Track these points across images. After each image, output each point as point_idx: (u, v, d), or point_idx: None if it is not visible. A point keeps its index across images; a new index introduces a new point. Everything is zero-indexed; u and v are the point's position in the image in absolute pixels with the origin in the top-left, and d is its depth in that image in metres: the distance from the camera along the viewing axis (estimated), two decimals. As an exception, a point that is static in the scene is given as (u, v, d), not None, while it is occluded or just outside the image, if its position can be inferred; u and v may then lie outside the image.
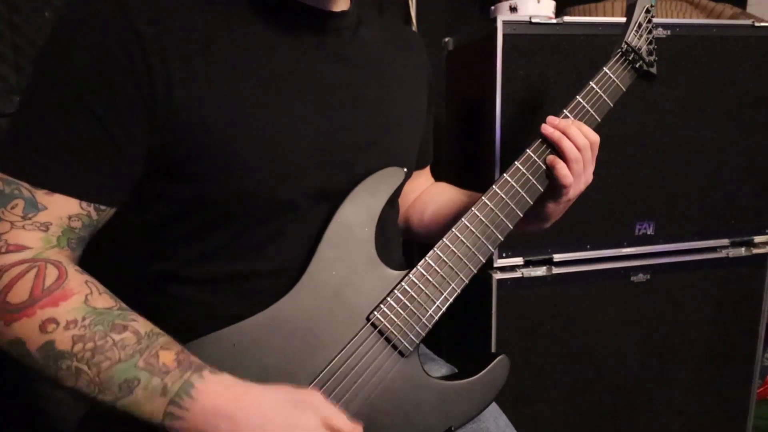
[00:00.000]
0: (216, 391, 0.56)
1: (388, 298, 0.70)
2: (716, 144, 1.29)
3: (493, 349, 1.22)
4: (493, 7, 1.27)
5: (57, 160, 0.58)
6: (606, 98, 0.82)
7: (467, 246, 0.74)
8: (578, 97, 0.81)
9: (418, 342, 0.71)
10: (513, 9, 1.22)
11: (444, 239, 0.73)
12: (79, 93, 0.58)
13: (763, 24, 1.26)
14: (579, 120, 0.80)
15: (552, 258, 1.24)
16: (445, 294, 0.72)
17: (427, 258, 0.72)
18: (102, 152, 0.59)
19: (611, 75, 0.83)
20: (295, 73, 0.68)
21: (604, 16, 1.40)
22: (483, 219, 0.75)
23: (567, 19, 1.16)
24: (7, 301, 0.54)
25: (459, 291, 0.73)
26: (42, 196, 0.58)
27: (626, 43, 0.85)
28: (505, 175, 0.77)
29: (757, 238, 1.36)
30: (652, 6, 0.88)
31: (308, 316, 0.67)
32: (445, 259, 0.73)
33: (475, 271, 0.74)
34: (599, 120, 0.82)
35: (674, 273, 1.31)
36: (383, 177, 0.73)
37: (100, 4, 0.59)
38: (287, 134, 0.66)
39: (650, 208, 1.28)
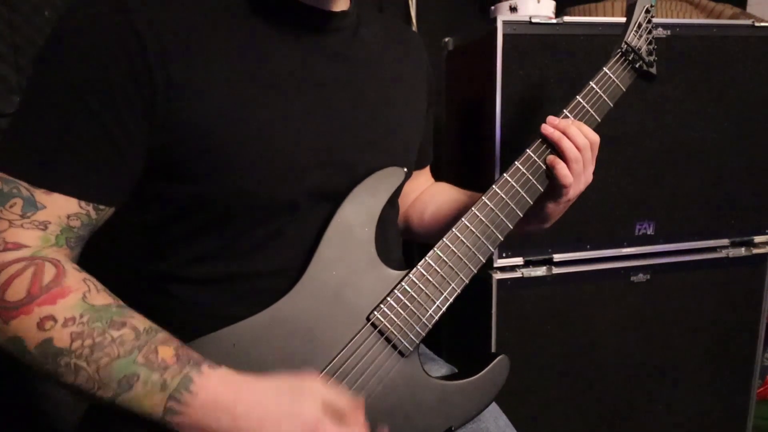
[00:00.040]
0: (214, 385, 0.57)
1: (388, 298, 0.70)
2: (716, 144, 1.29)
3: (493, 349, 1.22)
4: (493, 7, 1.27)
5: (56, 160, 0.58)
6: (606, 98, 0.82)
7: (467, 246, 0.74)
8: (578, 97, 0.81)
9: (418, 342, 0.71)
10: (513, 9, 1.22)
11: (444, 239, 0.73)
12: (79, 93, 0.58)
13: (763, 24, 1.26)
14: (579, 120, 0.80)
15: (552, 258, 1.24)
16: (445, 294, 0.72)
17: (427, 258, 0.72)
18: (101, 152, 0.59)
19: (611, 75, 0.83)
20: (295, 73, 0.68)
21: (604, 16, 1.39)
22: (483, 219, 0.75)
23: (567, 19, 1.16)
24: (5, 299, 0.55)
25: (459, 291, 0.73)
26: (41, 195, 0.58)
27: (626, 43, 0.85)
28: (505, 175, 0.77)
29: (757, 238, 1.36)
30: (652, 6, 0.88)
31: (308, 316, 0.67)
32: (445, 259, 0.73)
33: (475, 271, 0.74)
34: (599, 120, 0.82)
35: (674, 273, 1.31)
36: (383, 177, 0.73)
37: (100, 5, 0.59)
38: (287, 134, 0.66)
39: (650, 208, 1.28)
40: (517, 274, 1.21)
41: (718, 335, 1.37)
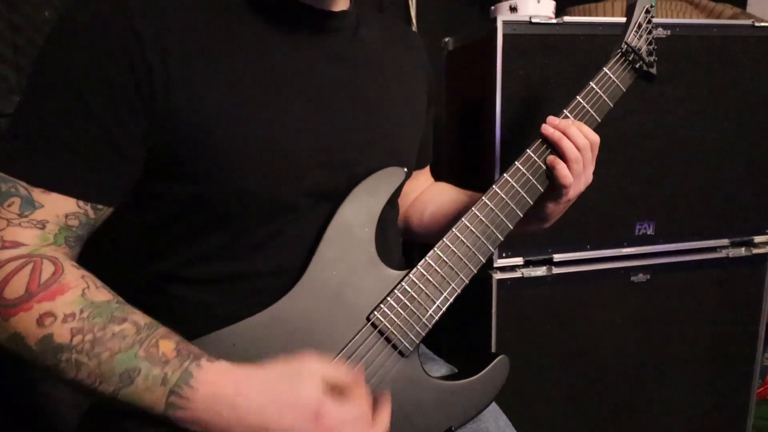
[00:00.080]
0: (214, 379, 0.57)
1: (388, 298, 0.70)
2: (716, 144, 1.29)
3: (493, 349, 1.22)
4: (493, 7, 1.27)
5: (54, 159, 0.58)
6: (606, 98, 0.82)
7: (467, 246, 0.74)
8: (578, 98, 0.81)
9: (418, 342, 0.71)
10: (513, 9, 1.22)
11: (444, 239, 0.73)
12: (78, 92, 0.58)
13: (763, 24, 1.26)
14: (579, 120, 0.80)
15: (552, 258, 1.24)
16: (445, 294, 0.72)
17: (427, 258, 0.72)
18: (100, 152, 0.59)
19: (611, 75, 0.83)
20: (294, 72, 0.68)
21: (604, 16, 1.39)
22: (483, 219, 0.75)
23: (567, 19, 1.16)
24: (4, 297, 0.55)
25: (459, 291, 0.73)
26: (39, 194, 0.58)
27: (626, 43, 0.85)
28: (505, 175, 0.77)
29: (757, 238, 1.36)
30: (652, 6, 0.88)
31: (308, 316, 0.67)
32: (445, 259, 0.73)
33: (476, 271, 0.74)
34: (599, 120, 0.82)
35: (674, 273, 1.31)
36: (383, 177, 0.73)
37: (99, 4, 0.59)
38: (287, 134, 0.66)
39: (650, 208, 1.28)
40: (517, 274, 1.21)
41: (718, 335, 1.37)
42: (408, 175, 0.77)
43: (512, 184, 0.76)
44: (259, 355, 0.65)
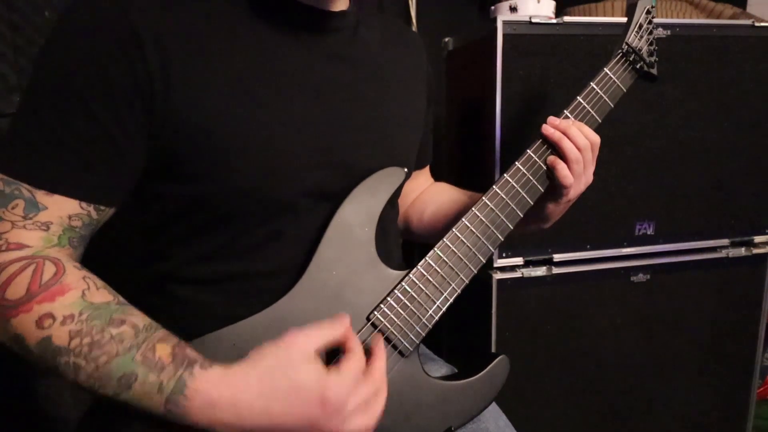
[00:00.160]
0: (207, 388, 0.56)
1: (388, 298, 0.70)
2: (716, 144, 1.29)
3: (493, 349, 1.22)
4: (493, 7, 1.27)
5: (56, 161, 0.58)
6: (606, 99, 0.82)
7: (467, 246, 0.74)
8: (579, 98, 0.81)
9: (418, 342, 0.71)
10: (513, 9, 1.22)
11: (444, 239, 0.73)
12: (78, 93, 0.58)
13: (763, 24, 1.26)
14: (579, 120, 0.80)
15: (552, 258, 1.24)
16: (445, 294, 0.72)
17: (427, 258, 0.72)
18: (101, 152, 0.59)
19: (612, 76, 0.83)
20: (294, 72, 0.68)
21: (604, 16, 1.40)
22: (483, 219, 0.75)
23: (567, 19, 1.16)
24: (6, 297, 0.55)
25: (459, 291, 0.73)
26: (42, 196, 0.58)
27: (627, 43, 0.85)
28: (505, 175, 0.77)
29: (757, 238, 1.36)
30: (652, 7, 0.88)
31: (308, 316, 0.67)
32: (445, 259, 0.73)
33: (476, 272, 0.74)
34: (600, 121, 0.82)
35: (674, 273, 1.31)
36: (383, 177, 0.73)
37: (99, 4, 0.59)
38: (287, 134, 0.66)
39: (650, 208, 1.28)
40: (517, 274, 1.21)
41: (718, 335, 1.37)
42: (408, 176, 0.77)
43: (512, 185, 0.76)
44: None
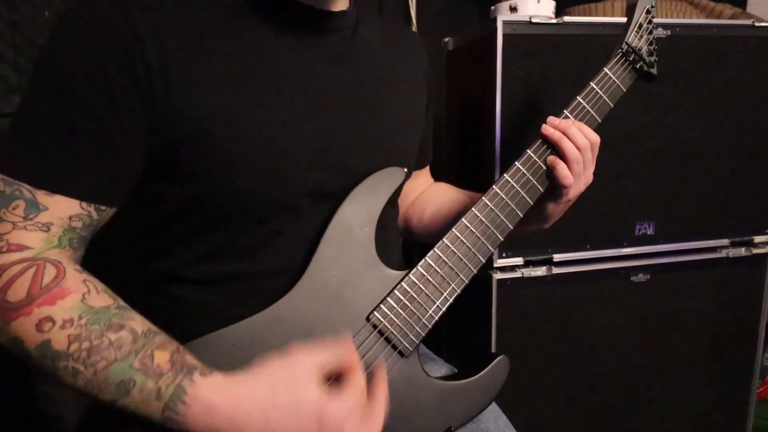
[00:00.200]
0: (207, 395, 0.55)
1: (388, 298, 0.70)
2: (716, 144, 1.29)
3: (493, 349, 1.22)
4: (493, 7, 1.27)
5: (57, 161, 0.58)
6: (606, 99, 0.82)
7: (467, 246, 0.74)
8: (578, 98, 0.81)
9: (418, 342, 0.71)
10: (513, 9, 1.22)
11: (444, 239, 0.73)
12: (78, 94, 0.58)
13: (763, 24, 1.26)
14: (579, 120, 0.80)
15: (552, 258, 1.24)
16: (445, 294, 0.72)
17: (427, 258, 0.72)
18: (101, 152, 0.59)
19: (611, 75, 0.83)
20: (294, 73, 0.68)
21: (604, 16, 1.39)
22: (483, 219, 0.75)
23: (567, 19, 1.16)
24: (6, 300, 0.55)
25: (459, 291, 0.73)
26: (42, 196, 0.58)
27: (627, 43, 0.85)
28: (505, 175, 0.77)
29: (757, 238, 1.36)
30: (652, 6, 0.88)
31: (308, 316, 0.67)
32: (445, 259, 0.73)
33: (475, 272, 0.74)
34: (600, 120, 0.82)
35: (674, 273, 1.31)
36: (383, 177, 0.73)
37: (99, 5, 0.59)
38: (286, 134, 0.66)
39: (650, 208, 1.28)
40: (517, 274, 1.21)
41: (718, 335, 1.37)
42: (408, 176, 0.77)
43: (512, 185, 0.76)
44: (259, 355, 0.65)
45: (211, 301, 0.68)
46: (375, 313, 0.69)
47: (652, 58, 0.88)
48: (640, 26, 0.86)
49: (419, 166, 0.98)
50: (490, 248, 0.75)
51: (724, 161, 1.30)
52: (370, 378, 0.64)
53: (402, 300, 0.70)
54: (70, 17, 0.60)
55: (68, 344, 0.54)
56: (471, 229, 0.74)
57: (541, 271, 1.23)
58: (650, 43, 0.87)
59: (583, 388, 1.31)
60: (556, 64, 1.16)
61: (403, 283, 0.71)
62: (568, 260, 1.25)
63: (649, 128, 1.24)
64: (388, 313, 0.70)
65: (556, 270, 1.24)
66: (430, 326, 0.72)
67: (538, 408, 1.28)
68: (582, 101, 0.81)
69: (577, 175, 0.78)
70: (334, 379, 0.61)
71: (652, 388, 1.36)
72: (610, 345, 1.30)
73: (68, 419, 1.22)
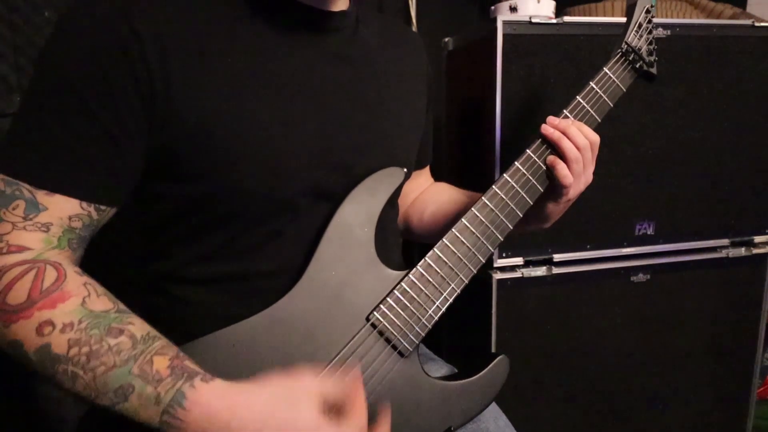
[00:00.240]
0: (208, 400, 0.55)
1: (388, 299, 0.70)
2: (716, 144, 1.29)
3: (493, 349, 1.22)
4: (493, 7, 1.27)
5: (57, 161, 0.58)
6: (606, 98, 0.82)
7: (467, 246, 0.74)
8: (578, 98, 0.81)
9: (417, 342, 0.71)
10: (513, 9, 1.22)
11: (444, 239, 0.73)
12: (78, 93, 0.58)
13: (763, 24, 1.26)
14: (579, 120, 0.80)
15: (552, 258, 1.24)
16: (444, 294, 0.72)
17: (426, 258, 0.72)
18: (101, 152, 0.59)
19: (611, 75, 0.83)
20: (294, 73, 0.68)
21: (604, 16, 1.39)
22: (483, 219, 0.75)
23: (567, 19, 1.16)
24: (6, 302, 0.55)
25: (459, 291, 0.73)
26: (42, 196, 0.58)
27: (626, 43, 0.84)
28: (504, 175, 0.76)
29: (757, 238, 1.36)
30: (652, 6, 0.88)
31: (308, 316, 0.67)
32: (444, 259, 0.73)
33: (475, 272, 0.74)
34: (599, 120, 0.82)
35: (674, 273, 1.31)
36: (383, 177, 0.73)
37: (99, 5, 0.59)
38: (286, 134, 0.66)
39: (650, 208, 1.28)
40: (517, 274, 1.21)
41: (718, 335, 1.37)
42: (407, 176, 0.77)
43: (512, 185, 0.76)
44: (259, 356, 0.65)
45: (211, 301, 0.68)
46: (375, 313, 0.69)
47: (652, 58, 0.88)
48: (640, 26, 0.86)
49: (419, 166, 0.98)
50: (490, 248, 0.75)
51: (724, 161, 1.30)
52: (372, 416, 0.63)
53: (402, 300, 0.70)
54: (70, 17, 0.60)
55: (68, 348, 0.54)
56: (471, 229, 0.74)
57: (541, 271, 1.23)
58: (650, 43, 0.87)
59: (583, 388, 1.31)
60: (556, 64, 1.16)
61: (402, 283, 0.71)
62: (568, 260, 1.25)
63: (649, 128, 1.24)
64: (388, 313, 0.70)
65: (556, 270, 1.24)
66: (429, 326, 0.72)
67: (538, 408, 1.28)
68: (582, 101, 0.81)
69: (577, 174, 0.78)
70: (335, 411, 0.60)
71: (652, 388, 1.36)
72: (610, 345, 1.30)
73: (68, 419, 1.22)
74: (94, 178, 0.60)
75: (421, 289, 0.71)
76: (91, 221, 0.61)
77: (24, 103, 0.60)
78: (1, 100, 1.17)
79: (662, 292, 1.31)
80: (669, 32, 1.20)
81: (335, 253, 0.69)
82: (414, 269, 0.72)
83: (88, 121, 0.58)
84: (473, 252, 0.74)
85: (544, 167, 0.78)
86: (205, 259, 0.67)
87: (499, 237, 0.76)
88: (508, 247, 1.21)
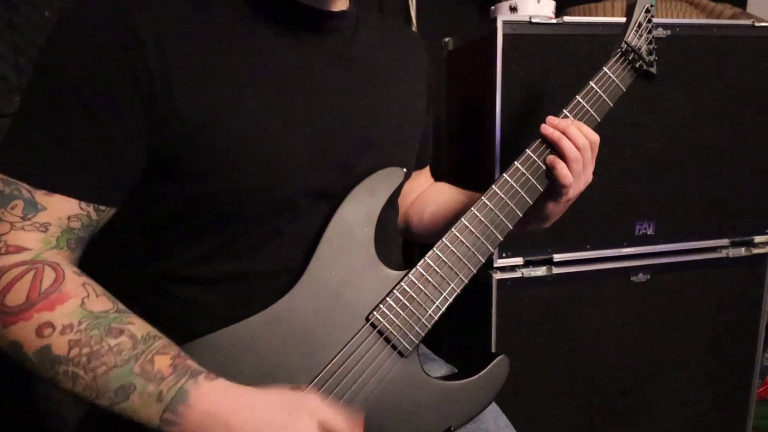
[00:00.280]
0: (211, 397, 0.56)
1: (388, 299, 0.70)
2: (716, 144, 1.29)
3: (493, 349, 1.22)
4: (493, 7, 1.27)
5: (56, 161, 0.58)
6: (606, 98, 0.82)
7: (467, 246, 0.74)
8: (578, 97, 0.81)
9: (417, 342, 0.71)
10: (513, 9, 1.22)
11: (443, 239, 0.73)
12: (78, 94, 0.58)
13: (763, 24, 1.26)
14: (579, 120, 0.80)
15: (552, 258, 1.24)
16: (444, 294, 0.72)
17: (426, 258, 0.72)
18: (101, 152, 0.59)
19: (611, 75, 0.83)
20: (294, 73, 0.68)
21: (604, 16, 1.39)
22: (482, 219, 0.75)
23: (567, 19, 1.16)
24: (5, 304, 0.55)
25: (458, 291, 0.73)
26: (41, 196, 0.58)
27: (626, 42, 0.84)
28: (504, 175, 0.76)
29: (757, 238, 1.36)
30: (652, 6, 0.88)
31: (307, 316, 0.67)
32: (444, 259, 0.73)
33: (475, 271, 0.74)
34: (599, 120, 0.82)
35: (674, 273, 1.31)
36: (382, 177, 0.73)
37: (99, 5, 0.59)
38: (286, 134, 0.66)
39: (650, 208, 1.28)
40: (517, 274, 1.21)
41: (718, 335, 1.37)
42: (407, 176, 0.77)
43: (512, 184, 0.76)
44: (259, 356, 0.65)
45: (211, 301, 0.68)
46: (374, 313, 0.69)
47: (652, 57, 0.88)
48: (640, 25, 0.86)
49: (419, 166, 0.98)
50: (490, 248, 0.75)
51: (724, 161, 1.30)
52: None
53: (401, 300, 0.70)
54: (69, 17, 0.60)
55: (68, 349, 0.54)
56: (470, 229, 0.74)
57: (541, 271, 1.23)
58: (650, 43, 0.87)
59: (583, 388, 1.31)
60: (556, 64, 1.16)
61: (402, 283, 0.71)
62: (568, 260, 1.25)
63: (649, 128, 1.24)
64: (388, 313, 0.70)
65: (556, 270, 1.24)
66: (429, 326, 0.72)
67: (538, 408, 1.28)
68: (581, 101, 0.81)
69: (577, 174, 0.78)
70: None
71: (653, 388, 1.36)
72: (609, 345, 1.30)
73: (68, 419, 1.22)
74: (94, 178, 0.60)
75: (420, 289, 0.71)
76: (90, 222, 0.61)
77: (23, 103, 0.60)
78: (1, 100, 1.17)
79: (662, 292, 1.31)
80: (669, 32, 1.20)
81: (335, 253, 0.69)
82: (414, 269, 0.72)
83: (87, 121, 0.58)
84: (473, 252, 0.74)
85: (544, 167, 0.78)
86: (204, 259, 0.67)
87: (499, 237, 0.76)
88: (508, 247, 1.21)
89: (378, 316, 0.69)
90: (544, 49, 1.15)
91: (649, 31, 0.87)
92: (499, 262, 1.21)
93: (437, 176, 1.06)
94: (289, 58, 0.68)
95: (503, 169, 0.78)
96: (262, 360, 0.65)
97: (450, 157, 1.45)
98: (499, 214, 0.76)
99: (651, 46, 0.88)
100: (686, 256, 1.32)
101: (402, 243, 0.91)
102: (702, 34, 1.23)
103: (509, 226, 0.76)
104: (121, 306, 0.59)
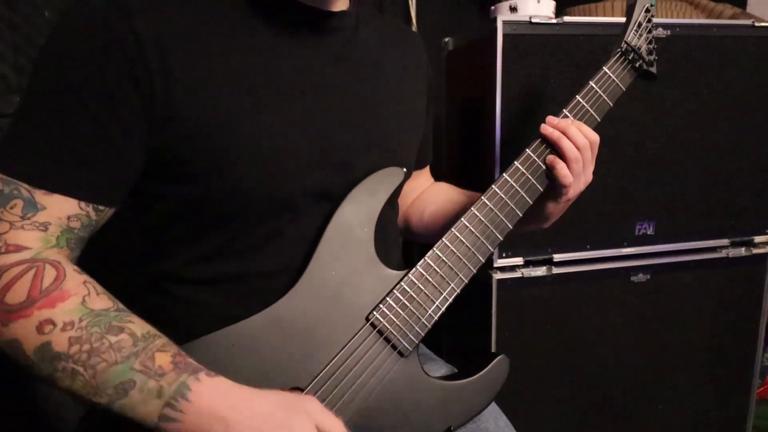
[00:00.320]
0: (211, 394, 0.56)
1: (388, 298, 0.70)
2: (716, 144, 1.29)
3: (493, 349, 1.22)
4: (493, 7, 1.27)
5: (56, 161, 0.58)
6: (606, 98, 0.82)
7: (467, 246, 0.74)
8: (578, 97, 0.81)
9: (417, 342, 0.71)
10: (513, 9, 1.22)
11: (443, 239, 0.73)
12: (78, 93, 0.58)
13: (763, 24, 1.26)
14: (579, 120, 0.80)
15: (552, 258, 1.24)
16: (444, 294, 0.72)
17: (426, 258, 0.72)
18: (101, 152, 0.59)
19: (611, 75, 0.83)
20: (294, 73, 0.68)
21: (604, 16, 1.40)
22: (482, 219, 0.75)
23: (567, 19, 1.16)
24: (5, 302, 0.55)
25: (458, 291, 0.73)
26: (41, 196, 0.58)
27: (626, 42, 0.84)
28: (504, 174, 0.76)
29: (757, 238, 1.36)
30: (651, 6, 0.88)
31: (307, 316, 0.67)
32: (444, 259, 0.73)
33: (475, 271, 0.74)
34: (599, 120, 0.82)
35: (674, 273, 1.31)
36: (382, 177, 0.73)
37: (98, 4, 0.59)
38: (286, 134, 0.66)
39: (650, 208, 1.28)
40: (517, 274, 1.21)
41: (718, 335, 1.37)
42: (407, 176, 0.77)
43: (512, 184, 0.76)
44: (259, 356, 0.65)
45: (211, 301, 0.68)
46: (374, 312, 0.69)
47: (652, 57, 0.88)
48: (640, 25, 0.86)
49: (419, 166, 0.98)
50: (490, 248, 0.75)
51: (724, 161, 1.30)
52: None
53: (401, 300, 0.70)
54: (69, 17, 0.60)
55: (69, 346, 0.54)
56: (470, 229, 0.74)
57: (541, 271, 1.23)
58: (649, 42, 0.87)
59: (583, 388, 1.31)
60: (556, 64, 1.16)
61: (402, 283, 0.71)
62: (568, 260, 1.25)
63: (649, 128, 1.24)
64: (388, 313, 0.70)
65: (556, 270, 1.24)
66: (429, 326, 0.72)
67: (538, 408, 1.28)
68: (581, 100, 0.81)
69: (577, 174, 0.78)
70: None
71: (652, 388, 1.36)
72: (610, 345, 1.30)
73: (68, 419, 1.22)
74: (93, 178, 0.60)
75: (420, 288, 0.71)
76: (89, 221, 0.61)
77: (23, 103, 0.60)
78: (1, 100, 1.17)
79: (662, 292, 1.31)
80: (669, 32, 1.20)
81: (335, 253, 0.69)
82: (414, 269, 0.72)
83: (87, 121, 0.58)
84: (473, 252, 0.74)
85: (544, 167, 0.78)
86: (205, 259, 0.67)
87: (499, 237, 0.76)
88: (508, 247, 1.21)
89: (378, 316, 0.69)
90: (544, 49, 1.15)
91: (649, 31, 0.87)
92: (499, 262, 1.21)
93: (437, 176, 1.06)
94: (289, 59, 0.68)
95: (503, 169, 0.78)
96: (262, 360, 0.65)
97: (450, 157, 1.45)
98: (499, 214, 0.76)
99: (651, 46, 0.88)
100: (686, 256, 1.32)
101: (402, 243, 0.91)
102: (702, 34, 1.23)
103: (509, 225, 0.76)
104: (121, 305, 0.59)
